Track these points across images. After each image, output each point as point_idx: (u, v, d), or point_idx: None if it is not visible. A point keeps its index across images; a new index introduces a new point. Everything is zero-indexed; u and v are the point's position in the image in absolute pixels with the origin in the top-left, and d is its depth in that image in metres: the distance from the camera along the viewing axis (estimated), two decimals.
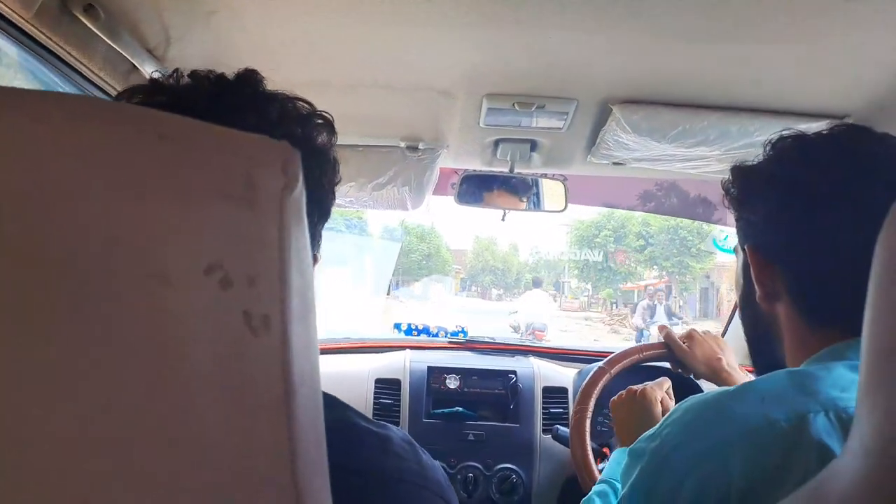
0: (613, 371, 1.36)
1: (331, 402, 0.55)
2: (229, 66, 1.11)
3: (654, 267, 29.88)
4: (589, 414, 1.32)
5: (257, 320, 0.25)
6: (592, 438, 1.37)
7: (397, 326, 2.33)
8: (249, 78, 0.58)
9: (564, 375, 1.76)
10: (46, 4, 0.77)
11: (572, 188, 1.66)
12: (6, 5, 0.74)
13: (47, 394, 0.24)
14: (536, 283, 15.11)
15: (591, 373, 1.37)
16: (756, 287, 0.72)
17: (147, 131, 0.26)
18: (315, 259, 0.61)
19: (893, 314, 0.42)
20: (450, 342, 1.99)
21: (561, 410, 1.68)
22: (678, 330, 1.37)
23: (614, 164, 1.47)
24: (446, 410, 1.65)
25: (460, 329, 2.23)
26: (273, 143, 0.29)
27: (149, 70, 0.97)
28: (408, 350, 1.86)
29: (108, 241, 0.24)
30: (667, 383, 1.18)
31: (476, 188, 1.65)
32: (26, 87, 1.06)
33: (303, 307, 0.29)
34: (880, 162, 0.65)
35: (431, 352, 1.90)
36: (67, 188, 0.24)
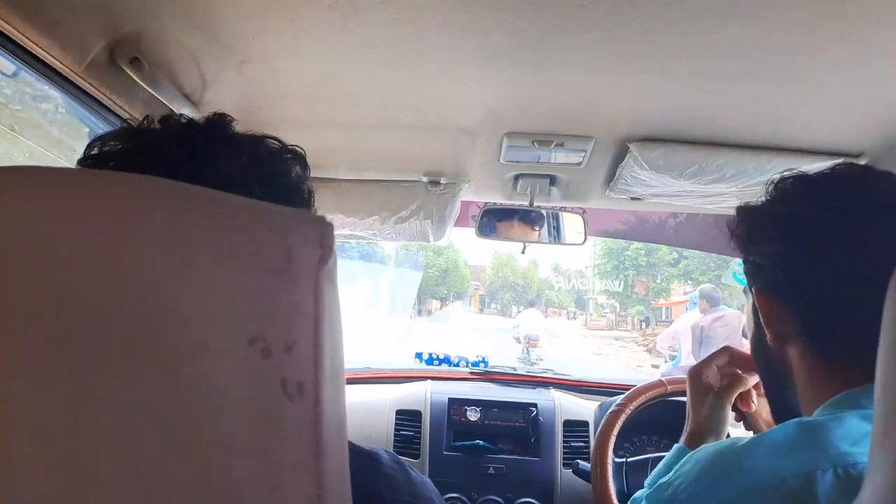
0: (670, 388, 1.36)
1: None
2: (260, 109, 1.17)
3: (689, 282, 28.39)
4: (627, 413, 1.32)
5: (292, 387, 0.28)
6: (614, 476, 1.37)
7: (418, 356, 2.35)
8: (218, 122, 0.59)
9: (585, 408, 1.76)
10: (96, 59, 0.82)
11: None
12: (59, 60, 0.79)
13: (92, 453, 0.26)
14: (531, 304, 19.41)
15: (650, 381, 1.37)
16: (766, 329, 0.72)
17: (194, 205, 0.29)
18: None
19: None
20: (471, 373, 2.00)
21: (582, 444, 1.67)
22: None
23: (632, 198, 1.48)
24: (467, 444, 1.65)
25: (481, 359, 2.24)
26: (311, 217, 0.31)
27: (186, 113, 1.02)
28: (429, 381, 1.88)
29: (160, 309, 0.27)
30: (752, 380, 0.95)
31: (496, 221, 1.68)
32: (70, 131, 1.12)
33: (333, 369, 0.31)
34: (884, 198, 0.65)
35: (452, 383, 1.91)
36: (126, 257, 0.27)
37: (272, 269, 0.28)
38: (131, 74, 0.86)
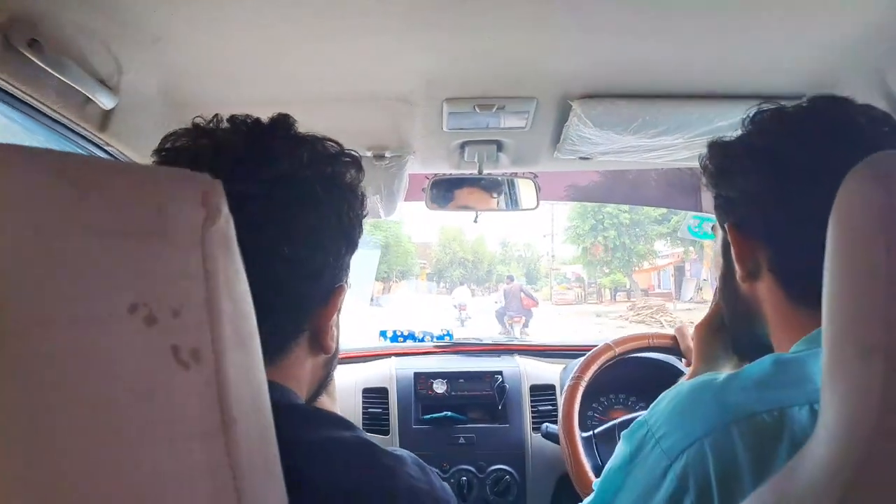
0: (619, 350, 1.38)
1: (346, 424, 0.57)
2: (184, 90, 1.11)
3: (677, 242, 25.04)
4: (584, 384, 1.33)
5: (186, 354, 0.25)
6: (582, 430, 1.39)
7: (383, 334, 2.33)
8: (282, 123, 0.62)
9: (551, 372, 1.77)
10: None
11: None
12: None
13: None
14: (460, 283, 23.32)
15: (597, 348, 1.38)
16: (737, 266, 0.71)
17: (63, 178, 0.26)
18: (343, 288, 0.64)
19: (845, 299, 0.43)
20: (436, 346, 1.99)
21: (550, 407, 1.69)
22: None
23: (581, 158, 1.48)
24: (435, 416, 1.65)
25: (446, 332, 2.24)
26: (190, 176, 0.29)
27: (103, 100, 0.96)
28: (394, 357, 1.87)
29: (23, 284, 0.24)
30: None
31: (446, 192, 1.66)
32: None
33: (239, 334, 0.29)
34: (861, 131, 0.63)
35: (418, 357, 1.91)
36: None
37: (144, 231, 0.25)
38: (33, 59, 0.80)
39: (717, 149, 0.73)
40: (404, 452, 0.59)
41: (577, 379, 1.32)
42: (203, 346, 0.26)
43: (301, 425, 0.54)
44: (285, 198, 0.56)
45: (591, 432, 1.36)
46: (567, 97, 1.22)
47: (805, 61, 1.08)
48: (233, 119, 0.61)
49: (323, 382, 0.68)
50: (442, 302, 27.01)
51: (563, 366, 1.77)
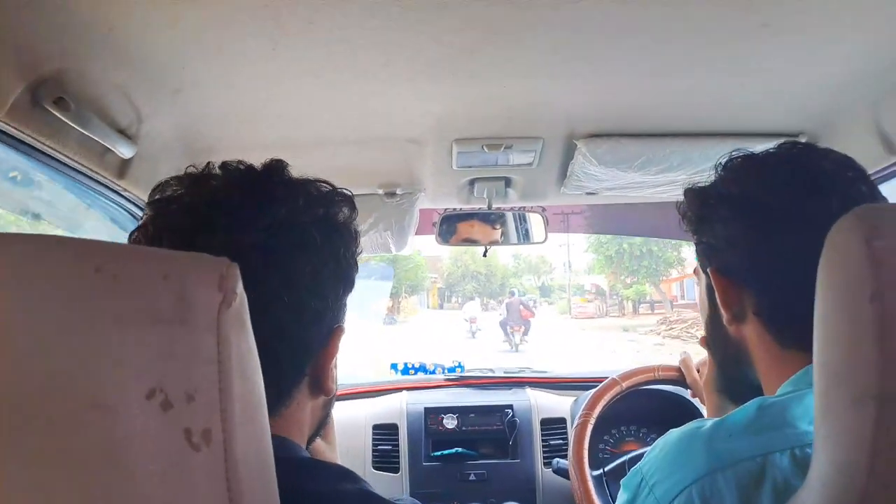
0: (625, 384, 1.37)
1: (347, 475, 0.57)
2: (201, 135, 1.15)
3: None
4: (592, 421, 1.33)
5: (197, 436, 0.27)
6: (592, 465, 1.38)
7: (394, 367, 2.33)
8: (276, 168, 0.61)
9: (562, 405, 1.76)
10: (18, 102, 0.80)
11: None
12: None
13: None
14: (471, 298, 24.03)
15: (604, 383, 1.38)
16: (722, 310, 0.72)
17: (83, 264, 0.28)
18: (342, 329, 0.63)
19: (835, 347, 0.44)
20: (446, 380, 1.99)
21: (561, 441, 1.68)
22: None
23: (587, 193, 1.50)
24: (446, 452, 1.65)
25: (457, 364, 2.24)
26: (209, 261, 0.31)
27: (122, 150, 0.99)
28: (404, 392, 1.87)
29: (48, 375, 0.26)
30: None
31: (456, 226, 1.68)
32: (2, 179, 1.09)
33: (248, 413, 0.30)
34: (829, 177, 0.65)
35: (428, 391, 1.91)
36: (5, 324, 0.26)
37: (165, 319, 0.27)
38: (58, 115, 0.84)
39: (694, 196, 0.75)
40: (409, 502, 0.60)
41: (586, 416, 1.32)
42: (214, 426, 0.28)
43: (306, 479, 0.54)
44: (285, 244, 0.55)
45: (601, 470, 1.35)
46: (572, 136, 1.25)
47: (803, 100, 1.10)
48: (225, 166, 0.61)
49: (322, 423, 0.68)
50: (452, 317, 26.74)
51: (574, 398, 1.76)
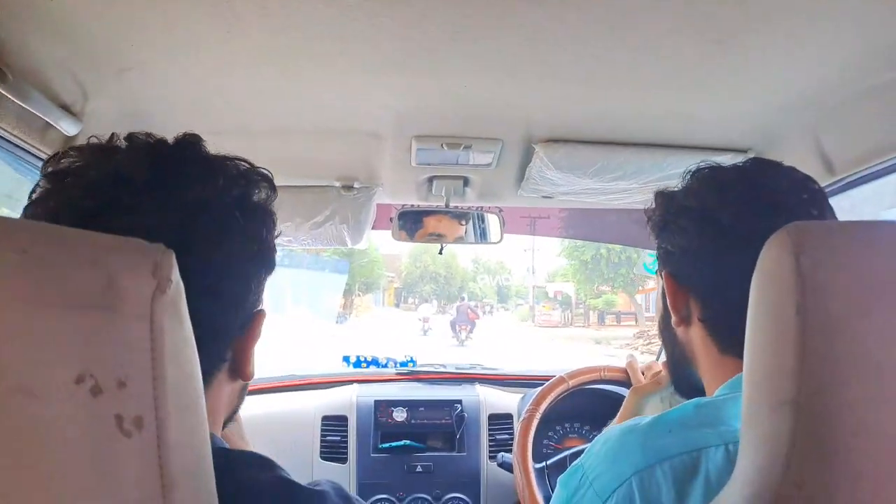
0: (572, 383, 1.41)
1: (263, 462, 0.55)
2: (148, 118, 1.13)
3: None
4: (538, 416, 1.36)
5: (129, 422, 0.28)
6: (536, 459, 1.41)
7: (346, 359, 2.32)
8: (190, 143, 0.58)
9: (509, 401, 1.80)
10: None
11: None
12: None
13: None
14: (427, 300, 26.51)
15: (551, 381, 1.41)
16: (671, 312, 0.77)
17: (8, 245, 0.28)
18: (263, 314, 0.61)
19: (761, 354, 0.47)
20: (398, 374, 2.00)
21: (507, 436, 1.71)
22: None
23: (543, 197, 1.53)
24: (394, 444, 1.66)
25: (409, 358, 2.25)
26: (142, 247, 0.31)
27: (65, 126, 0.96)
28: (355, 384, 1.87)
29: None
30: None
31: (413, 223, 1.69)
32: None
33: (183, 400, 0.31)
34: (783, 197, 0.69)
35: (380, 385, 1.92)
36: None
37: (92, 304, 0.27)
38: None
39: (661, 200, 0.79)
40: (327, 486, 0.58)
41: (532, 412, 1.35)
42: (146, 413, 0.28)
43: (221, 469, 0.54)
44: (202, 227, 0.52)
45: (543, 463, 1.39)
46: (531, 140, 1.27)
47: (751, 117, 1.15)
48: (132, 138, 0.57)
49: (236, 409, 0.66)
50: (408, 317, 26.59)
51: (522, 395, 1.80)
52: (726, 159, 0.79)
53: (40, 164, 1.04)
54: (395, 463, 1.65)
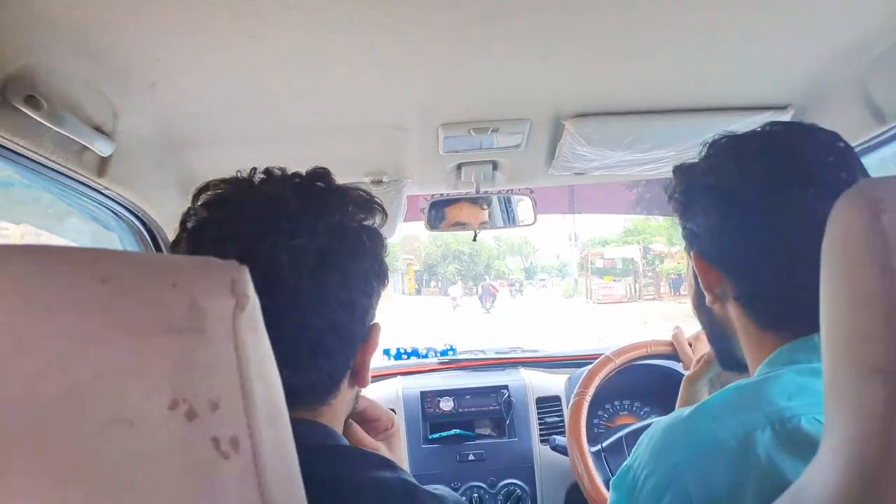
0: (618, 361, 1.39)
1: (385, 463, 0.61)
2: (178, 129, 1.13)
3: None
4: (588, 399, 1.35)
5: (226, 444, 0.27)
6: (589, 441, 1.40)
7: (386, 352, 2.34)
8: (323, 176, 0.64)
9: (555, 383, 1.79)
10: None
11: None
12: None
13: None
14: (453, 282, 31.22)
15: (598, 361, 1.40)
16: (704, 292, 0.75)
17: (88, 275, 0.27)
18: (379, 325, 0.67)
19: (843, 322, 0.45)
20: (440, 363, 2.00)
21: (556, 419, 1.70)
22: None
23: (576, 174, 1.50)
24: (444, 434, 1.66)
25: (449, 347, 2.25)
26: (218, 265, 0.30)
27: (99, 147, 0.97)
28: (399, 377, 1.88)
29: (67, 389, 0.25)
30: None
31: (445, 211, 1.68)
32: None
33: (271, 415, 0.30)
34: (808, 165, 0.66)
35: (423, 376, 1.92)
36: (17, 340, 0.26)
37: (179, 328, 0.27)
38: (30, 114, 0.81)
39: (680, 176, 0.77)
40: (445, 491, 0.63)
41: (581, 395, 1.33)
42: (240, 433, 0.28)
43: (347, 466, 0.58)
44: (341, 248, 0.59)
45: (599, 446, 1.37)
46: (560, 117, 1.24)
47: (789, 72, 1.11)
48: (269, 171, 0.64)
49: (351, 413, 0.72)
50: (433, 302, 27.17)
51: (567, 376, 1.79)
52: (764, 118, 0.76)
53: (79, 186, 1.06)
54: (447, 453, 1.66)
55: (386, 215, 0.68)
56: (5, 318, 0.26)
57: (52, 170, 0.97)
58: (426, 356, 2.20)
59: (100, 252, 0.30)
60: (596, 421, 1.72)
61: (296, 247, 0.56)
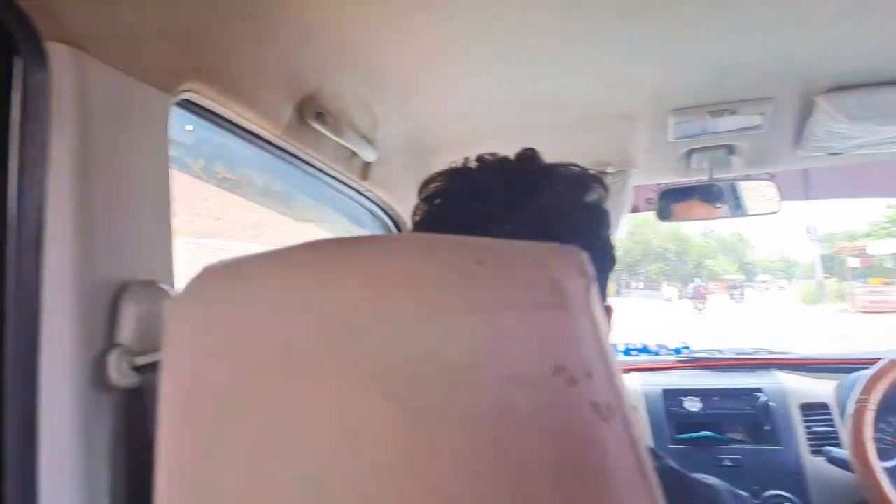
0: (874, 399, 1.22)
1: (653, 452, 0.58)
2: (427, 134, 1.26)
3: None
4: (871, 407, 1.18)
5: (604, 409, 0.30)
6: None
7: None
8: (530, 157, 0.63)
9: (821, 389, 1.59)
10: (290, 121, 0.93)
11: None
12: (263, 126, 0.90)
13: (398, 485, 0.30)
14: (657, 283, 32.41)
15: (880, 365, 1.23)
16: None
17: (467, 259, 0.33)
18: (612, 308, 0.63)
19: None
20: (678, 361, 1.90)
21: (827, 429, 1.51)
22: None
23: (830, 154, 1.34)
24: (693, 435, 1.58)
25: (684, 345, 2.13)
26: (567, 250, 0.34)
27: (366, 154, 1.13)
28: (634, 373, 1.82)
29: (468, 353, 0.31)
30: None
31: (675, 202, 1.61)
32: (277, 183, 1.28)
33: (627, 392, 0.33)
34: None
35: (660, 373, 1.84)
36: (422, 312, 0.32)
37: (547, 304, 0.31)
38: (318, 128, 0.97)
39: None
40: (714, 480, 0.60)
41: (863, 402, 1.17)
42: (613, 401, 0.31)
43: None
44: (550, 230, 0.57)
45: (893, 462, 1.19)
46: (809, 93, 1.13)
47: None
48: (481, 158, 0.63)
49: None
50: (641, 304, 26.13)
51: (836, 382, 1.58)
52: None
53: (347, 189, 1.23)
54: (699, 455, 1.56)
55: (606, 188, 0.64)
56: (410, 294, 0.32)
57: (330, 175, 1.14)
58: (657, 353, 2.12)
59: (469, 239, 0.35)
60: (877, 435, 1.49)
61: (507, 234, 0.52)
